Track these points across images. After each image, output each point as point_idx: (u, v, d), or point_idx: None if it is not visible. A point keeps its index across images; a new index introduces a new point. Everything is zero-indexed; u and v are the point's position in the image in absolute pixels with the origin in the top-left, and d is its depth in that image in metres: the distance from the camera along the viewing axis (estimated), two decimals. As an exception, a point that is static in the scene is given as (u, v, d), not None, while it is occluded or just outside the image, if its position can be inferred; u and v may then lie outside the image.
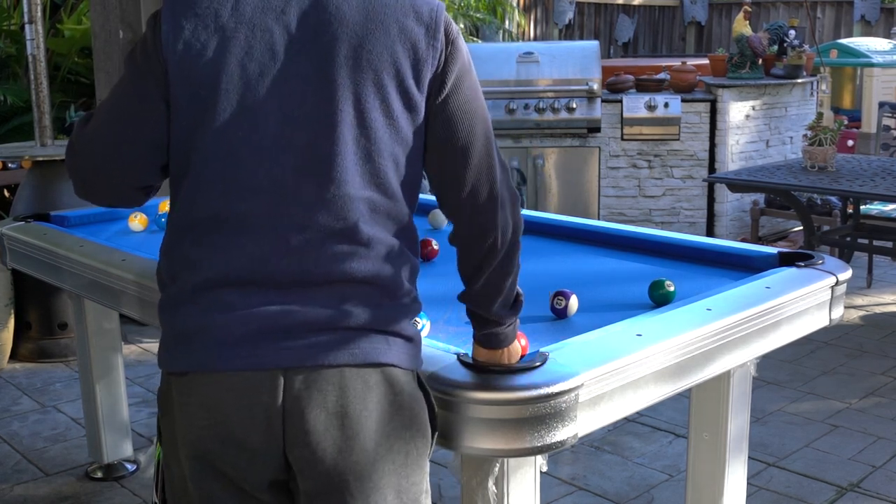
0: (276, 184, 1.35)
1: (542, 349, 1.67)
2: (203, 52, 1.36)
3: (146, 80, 1.40)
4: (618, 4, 11.27)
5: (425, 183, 5.24)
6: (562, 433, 1.55)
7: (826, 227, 5.47)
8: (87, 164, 1.48)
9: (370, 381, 1.37)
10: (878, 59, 7.59)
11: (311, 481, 1.38)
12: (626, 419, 3.45)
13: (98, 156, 1.46)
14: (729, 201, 6.01)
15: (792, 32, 6.27)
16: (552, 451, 1.59)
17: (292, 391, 1.34)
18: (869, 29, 10.08)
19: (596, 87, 6.15)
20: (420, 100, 1.40)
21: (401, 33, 1.39)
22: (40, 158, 4.30)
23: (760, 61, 6.18)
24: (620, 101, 6.13)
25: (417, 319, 1.88)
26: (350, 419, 1.36)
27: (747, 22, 6.27)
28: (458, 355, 1.63)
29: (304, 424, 1.34)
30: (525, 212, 3.00)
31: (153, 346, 4.58)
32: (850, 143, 6.77)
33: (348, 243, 1.36)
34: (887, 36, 9.15)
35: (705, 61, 6.92)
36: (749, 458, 2.37)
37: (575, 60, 6.41)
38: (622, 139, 6.16)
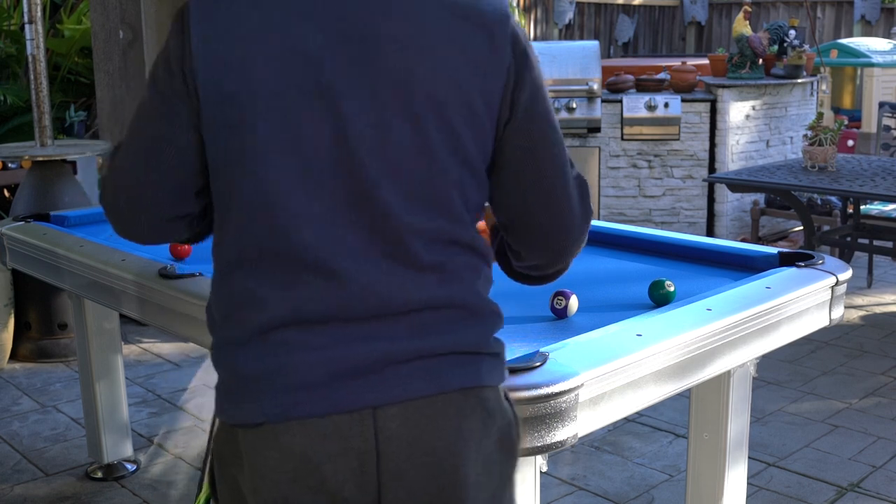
0: (331, 213, 1.21)
1: (542, 349, 1.67)
2: (240, 68, 1.21)
3: (171, 101, 1.26)
4: (618, 4, 11.26)
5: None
6: (562, 433, 1.54)
7: (826, 227, 5.47)
8: (118, 200, 1.35)
9: (464, 407, 1.26)
10: (878, 59, 7.59)
11: None
12: (626, 419, 3.45)
13: (127, 189, 1.33)
14: (729, 201, 6.00)
15: (792, 32, 6.27)
16: (552, 451, 1.59)
17: (384, 430, 1.22)
18: (869, 29, 10.07)
19: (596, 86, 6.15)
20: (486, 120, 1.26)
21: (461, 44, 1.24)
22: (40, 158, 4.30)
23: (760, 61, 6.18)
24: (620, 101, 6.13)
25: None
26: (447, 451, 1.25)
27: (747, 22, 6.27)
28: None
29: (400, 464, 1.23)
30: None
31: (153, 346, 4.58)
32: (851, 143, 6.77)
33: (418, 271, 1.24)
34: (887, 36, 9.15)
35: (705, 61, 6.92)
36: (749, 458, 2.37)
37: (575, 60, 6.40)
38: (622, 139, 6.15)
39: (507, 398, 1.35)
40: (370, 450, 1.22)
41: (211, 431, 1.41)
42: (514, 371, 1.56)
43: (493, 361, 1.31)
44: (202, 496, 1.44)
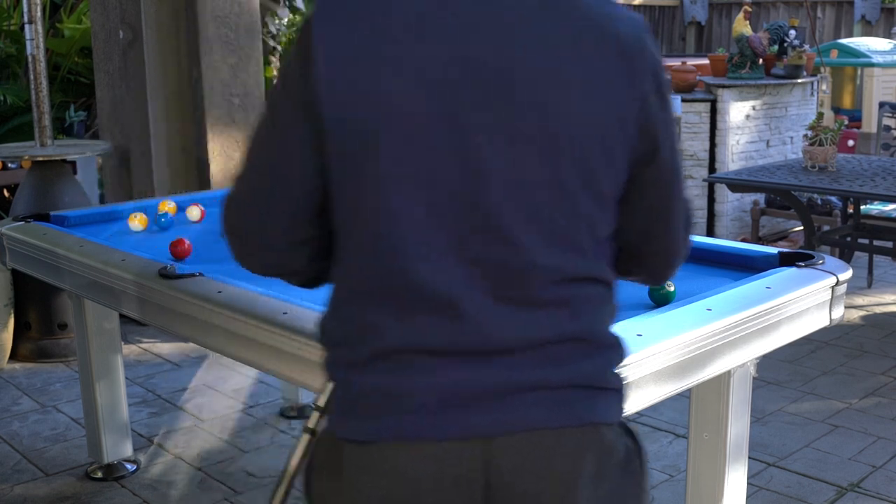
0: (452, 248, 1.16)
1: (543, 349, 1.67)
2: (368, 95, 1.14)
3: (292, 126, 1.20)
4: (617, 4, 11.25)
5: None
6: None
7: (826, 227, 5.47)
8: (240, 227, 1.30)
9: (581, 444, 1.22)
10: (878, 59, 7.59)
11: None
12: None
13: (249, 215, 1.28)
14: (729, 201, 6.00)
15: (792, 32, 6.27)
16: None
17: (496, 461, 1.18)
18: (869, 29, 10.08)
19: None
20: (620, 153, 1.21)
21: (598, 75, 1.17)
22: (40, 158, 4.30)
23: (761, 61, 6.18)
24: (620, 101, 6.11)
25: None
26: (560, 487, 1.21)
27: (747, 22, 6.26)
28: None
29: (509, 498, 1.20)
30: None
31: (153, 346, 4.58)
32: (851, 143, 6.77)
33: (540, 307, 1.20)
34: (887, 36, 9.15)
35: (705, 61, 6.91)
36: (749, 458, 2.37)
37: (575, 60, 6.39)
38: (622, 139, 6.14)
39: (630, 432, 1.31)
40: (478, 479, 1.19)
41: (311, 433, 1.40)
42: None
43: (613, 397, 1.27)
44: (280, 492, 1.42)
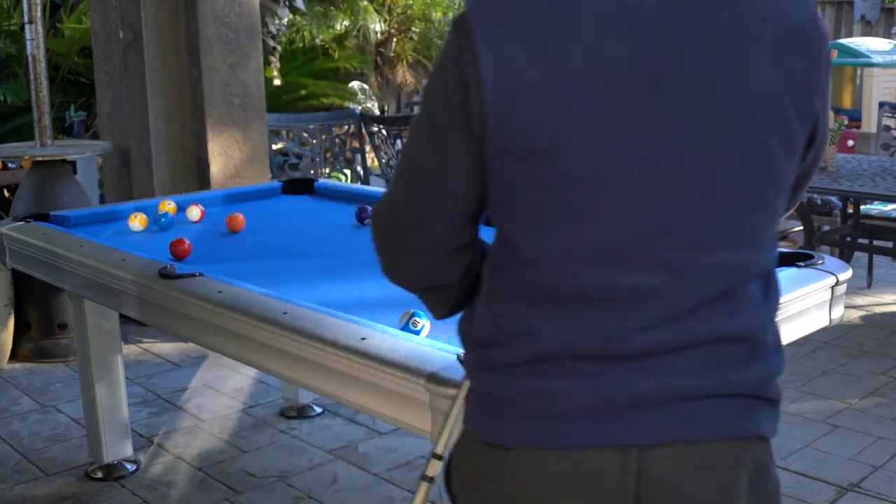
0: (635, 253, 1.12)
1: (543, 349, 1.67)
2: (540, 94, 1.08)
3: (452, 128, 1.14)
4: None
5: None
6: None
7: (826, 227, 5.47)
8: (396, 235, 1.26)
9: (738, 458, 1.17)
10: (878, 59, 7.59)
11: None
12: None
13: (407, 222, 1.24)
14: (729, 201, 5.99)
15: (792, 32, 6.26)
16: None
17: (648, 473, 1.14)
18: (869, 29, 10.08)
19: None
20: (799, 141, 1.18)
21: (781, 64, 1.13)
22: (40, 158, 4.30)
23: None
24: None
25: (417, 319, 1.89)
26: (713, 502, 1.18)
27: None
28: (458, 355, 1.63)
29: None
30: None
31: (153, 346, 4.59)
32: (851, 143, 6.77)
33: (714, 306, 1.15)
34: (887, 36, 9.15)
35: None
36: (749, 458, 2.37)
37: (575, 60, 6.39)
38: (622, 139, 6.14)
39: (771, 455, 1.25)
40: (628, 492, 1.15)
41: (429, 480, 1.38)
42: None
43: (773, 409, 1.22)
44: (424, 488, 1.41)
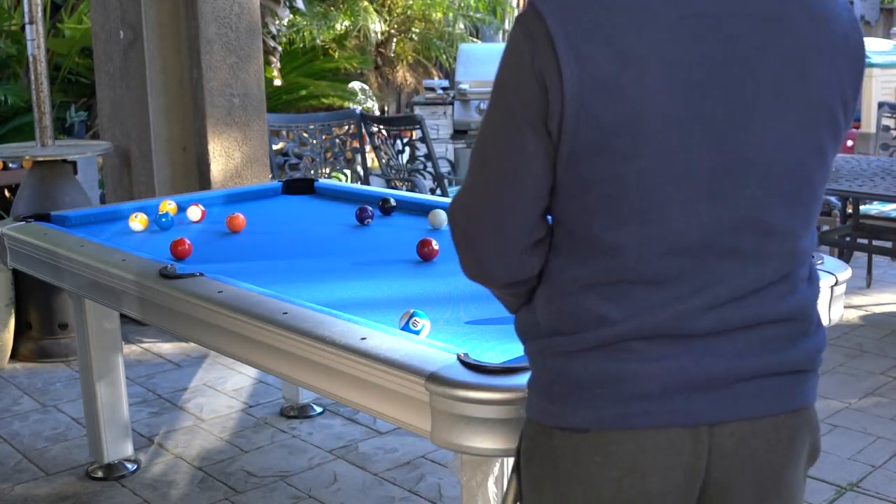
0: (707, 242, 1.19)
1: (542, 349, 1.67)
2: (618, 93, 1.13)
3: (527, 125, 1.18)
4: None
5: (425, 183, 5.23)
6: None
7: (826, 227, 5.48)
8: (476, 234, 1.29)
9: (796, 428, 1.27)
10: (877, 59, 7.59)
11: None
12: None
13: (487, 221, 1.27)
14: (729, 201, 6.00)
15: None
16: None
17: (718, 448, 1.22)
18: (869, 29, 10.09)
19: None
20: (843, 135, 1.27)
21: (833, 60, 1.21)
22: (41, 158, 4.31)
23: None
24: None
25: (417, 319, 1.89)
26: (778, 472, 1.27)
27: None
28: (458, 355, 1.64)
29: (728, 483, 1.24)
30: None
31: (153, 345, 4.59)
32: (850, 143, 6.78)
33: (771, 289, 1.24)
34: (887, 36, 9.16)
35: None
36: (748, 457, 2.37)
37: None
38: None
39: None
40: (700, 466, 1.22)
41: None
42: (513, 371, 1.57)
43: (816, 379, 1.31)
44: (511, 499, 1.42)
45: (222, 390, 4.01)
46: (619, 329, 1.20)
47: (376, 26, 9.12)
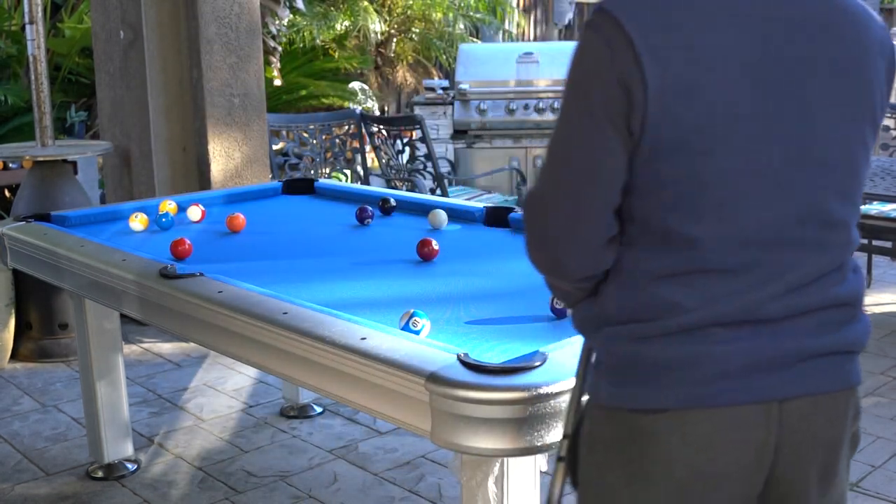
0: (776, 234, 1.28)
1: (542, 349, 1.67)
2: (695, 92, 1.21)
3: (608, 122, 1.23)
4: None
5: (426, 183, 5.22)
6: (562, 433, 1.55)
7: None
8: (553, 229, 1.32)
9: (848, 404, 1.37)
10: (877, 59, 7.58)
11: None
12: (626, 419, 3.45)
13: (566, 216, 1.30)
14: (729, 201, 6.01)
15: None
16: (552, 451, 1.59)
17: (786, 423, 1.30)
18: (869, 29, 10.08)
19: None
20: (879, 131, 1.39)
21: (875, 61, 1.32)
22: (41, 158, 4.31)
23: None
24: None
25: (417, 319, 1.89)
26: (835, 445, 1.36)
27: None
28: (458, 355, 1.64)
29: (793, 456, 1.32)
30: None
31: (154, 345, 4.59)
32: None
33: (831, 276, 1.33)
34: (887, 36, 9.15)
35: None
36: (748, 457, 2.37)
37: (575, 61, 6.40)
38: (622, 139, 6.15)
39: None
40: (770, 442, 1.30)
41: (574, 413, 1.44)
42: (513, 371, 1.57)
43: (859, 361, 1.40)
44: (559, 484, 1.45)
45: (222, 390, 4.01)
46: (695, 316, 1.27)
47: (376, 26, 9.13)
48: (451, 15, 9.59)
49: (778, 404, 1.29)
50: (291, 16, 7.85)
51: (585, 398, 1.42)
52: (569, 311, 1.82)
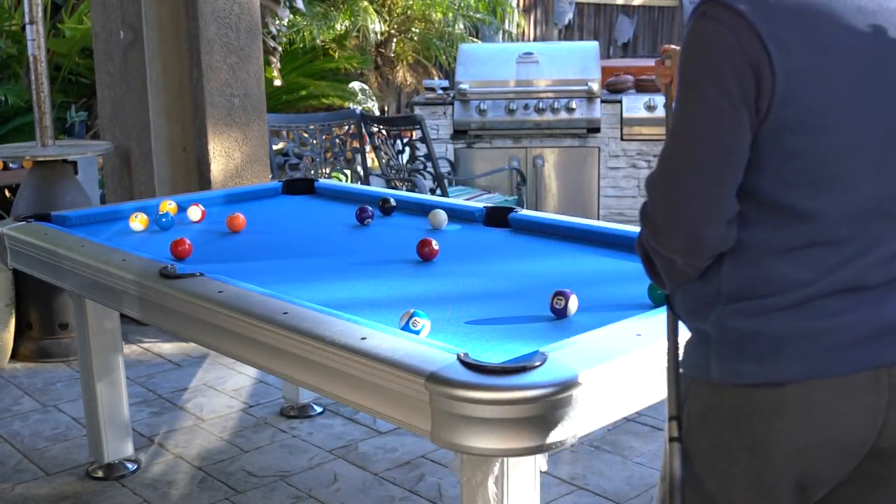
0: (878, 205, 1.38)
1: (542, 349, 1.68)
2: (814, 74, 1.31)
3: (741, 106, 1.32)
4: (617, 5, 11.27)
5: (426, 183, 5.22)
6: (561, 433, 1.55)
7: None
8: (685, 211, 1.37)
9: None
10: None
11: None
12: (626, 419, 3.46)
13: (699, 198, 1.36)
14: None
15: (792, 33, 6.28)
16: (552, 451, 1.60)
17: (893, 385, 1.37)
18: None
19: (595, 87, 6.15)
20: None
21: None
22: (41, 158, 4.31)
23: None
24: (620, 102, 6.13)
25: (417, 319, 1.89)
26: None
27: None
28: (458, 355, 1.64)
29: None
30: (525, 212, 3.01)
31: (154, 345, 4.59)
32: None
33: None
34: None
35: (705, 61, 6.88)
36: (748, 457, 2.37)
37: (574, 61, 6.41)
38: (622, 139, 6.16)
39: None
40: (880, 404, 1.37)
41: (675, 395, 1.48)
42: (513, 371, 1.57)
43: None
44: (667, 473, 1.46)
45: (222, 390, 4.01)
46: (811, 289, 1.35)
47: (376, 26, 9.12)
48: (451, 15, 9.58)
49: (887, 369, 1.36)
50: (291, 16, 7.85)
51: (683, 378, 1.47)
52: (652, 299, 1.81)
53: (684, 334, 1.51)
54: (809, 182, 1.35)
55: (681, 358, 1.49)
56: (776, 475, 1.40)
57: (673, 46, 1.74)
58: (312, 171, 5.65)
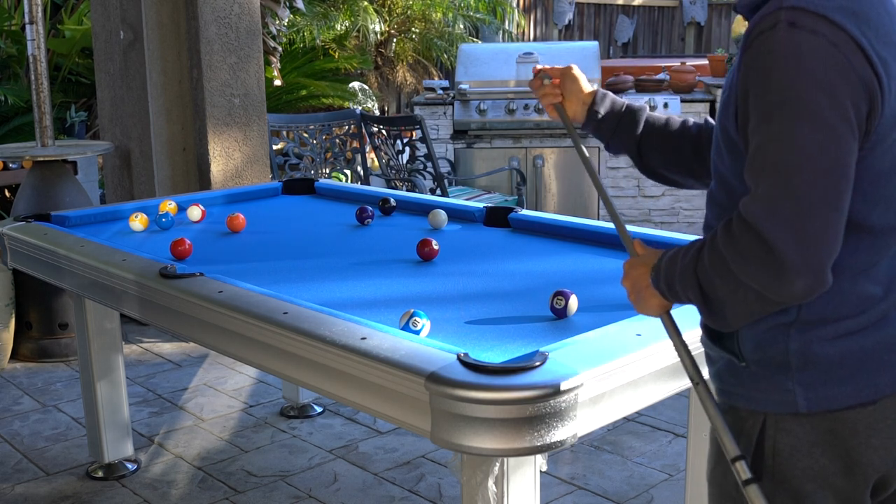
0: None
1: (542, 349, 1.68)
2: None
3: (855, 126, 1.25)
4: (617, 5, 11.27)
5: (426, 183, 5.22)
6: (561, 433, 1.55)
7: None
8: (810, 225, 1.23)
9: None
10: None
11: None
12: (626, 419, 3.46)
13: (825, 213, 1.23)
14: (729, 201, 6.01)
15: (792, 33, 6.28)
16: (552, 451, 1.60)
17: None
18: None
19: (596, 87, 6.14)
20: None
21: None
22: (41, 158, 4.31)
23: (760, 62, 6.19)
24: (620, 102, 6.10)
25: (417, 319, 1.89)
26: None
27: (746, 22, 6.27)
28: (458, 355, 1.64)
29: None
30: (525, 212, 3.01)
31: (154, 345, 4.59)
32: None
33: None
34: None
35: (705, 62, 6.93)
36: (748, 457, 2.37)
37: (574, 61, 6.39)
38: (622, 139, 6.14)
39: None
40: None
41: (755, 481, 1.37)
42: (513, 371, 1.57)
43: None
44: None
45: (222, 390, 4.01)
46: (885, 304, 1.37)
47: (376, 26, 9.12)
48: (451, 15, 9.58)
49: None
50: (291, 16, 7.85)
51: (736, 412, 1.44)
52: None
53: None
54: (885, 199, 1.34)
55: (718, 396, 1.46)
56: (864, 489, 1.40)
57: (547, 66, 1.70)
58: (312, 171, 5.65)
